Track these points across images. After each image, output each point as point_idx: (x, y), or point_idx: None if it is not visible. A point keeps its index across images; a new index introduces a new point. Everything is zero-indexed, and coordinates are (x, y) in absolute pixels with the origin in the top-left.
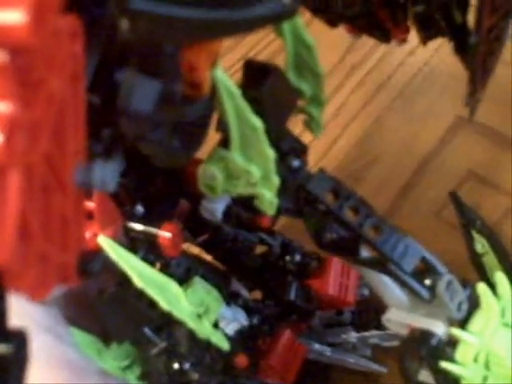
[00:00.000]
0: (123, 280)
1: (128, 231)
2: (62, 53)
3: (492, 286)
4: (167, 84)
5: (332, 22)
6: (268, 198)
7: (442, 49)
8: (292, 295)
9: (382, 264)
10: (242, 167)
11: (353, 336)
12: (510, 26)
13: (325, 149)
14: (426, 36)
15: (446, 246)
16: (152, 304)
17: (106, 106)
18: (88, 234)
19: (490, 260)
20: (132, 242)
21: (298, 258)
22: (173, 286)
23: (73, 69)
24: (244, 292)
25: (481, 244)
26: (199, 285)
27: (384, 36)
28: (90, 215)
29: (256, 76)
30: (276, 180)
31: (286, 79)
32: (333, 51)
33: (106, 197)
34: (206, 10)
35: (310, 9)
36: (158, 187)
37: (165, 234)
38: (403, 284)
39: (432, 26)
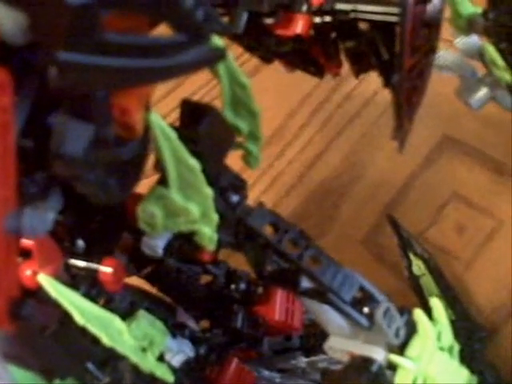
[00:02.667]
0: (65, 317)
1: (69, 268)
2: None
3: (429, 306)
4: (99, 127)
5: (266, 59)
6: (208, 233)
7: None
8: (238, 323)
9: (321, 294)
10: (180, 206)
11: (302, 361)
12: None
13: (310, 163)
14: (358, 70)
15: None
16: (95, 339)
17: (40, 149)
18: (27, 273)
19: (427, 281)
20: (73, 279)
21: (242, 286)
22: (116, 321)
23: (1, 120)
24: (191, 323)
25: (417, 266)
26: (143, 318)
27: (318, 71)
28: (28, 253)
29: (192, 116)
30: (215, 217)
31: (223, 118)
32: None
33: (46, 236)
34: (134, 58)
35: (244, 46)
36: (97, 223)
37: (106, 270)
38: (343, 313)
39: (363, 60)
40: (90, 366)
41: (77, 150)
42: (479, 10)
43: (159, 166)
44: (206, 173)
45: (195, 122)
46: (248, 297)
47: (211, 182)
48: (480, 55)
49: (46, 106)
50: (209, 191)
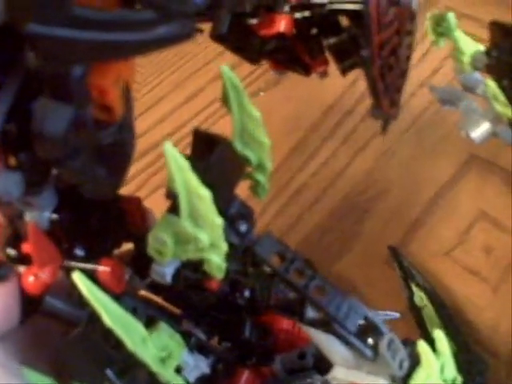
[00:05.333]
0: (92, 319)
1: (68, 270)
2: None
3: (431, 338)
4: (78, 108)
5: (253, 59)
6: (216, 262)
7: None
8: (247, 332)
9: (326, 324)
10: (190, 233)
11: (318, 379)
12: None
13: (333, 177)
14: (344, 68)
15: (454, 287)
16: (117, 345)
17: (23, 134)
18: (30, 279)
19: (429, 312)
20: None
21: (247, 293)
22: (139, 327)
23: None
24: (197, 332)
25: (419, 297)
26: (164, 330)
27: (304, 70)
28: (28, 259)
29: (204, 146)
30: (224, 246)
31: (233, 149)
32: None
33: (42, 235)
34: (103, 32)
35: (230, 48)
36: (95, 227)
37: (104, 269)
38: (347, 343)
39: (347, 57)
40: (109, 372)
41: (57, 129)
42: (481, 47)
43: (170, 193)
44: (215, 202)
45: (206, 151)
46: (254, 305)
47: (221, 211)
48: (482, 91)
49: (30, 96)
50: (219, 220)
